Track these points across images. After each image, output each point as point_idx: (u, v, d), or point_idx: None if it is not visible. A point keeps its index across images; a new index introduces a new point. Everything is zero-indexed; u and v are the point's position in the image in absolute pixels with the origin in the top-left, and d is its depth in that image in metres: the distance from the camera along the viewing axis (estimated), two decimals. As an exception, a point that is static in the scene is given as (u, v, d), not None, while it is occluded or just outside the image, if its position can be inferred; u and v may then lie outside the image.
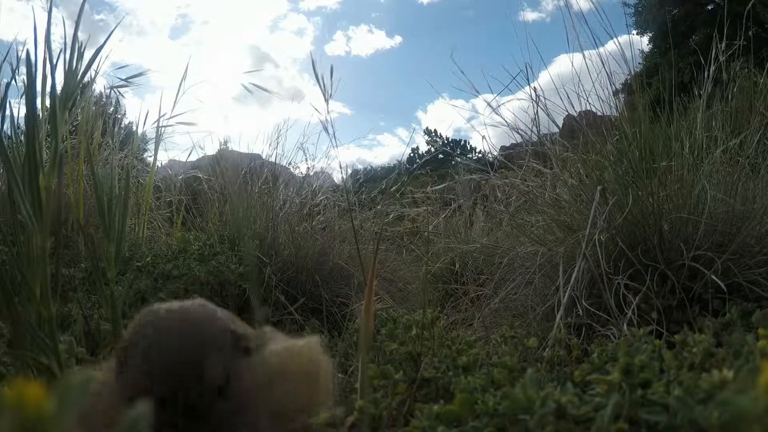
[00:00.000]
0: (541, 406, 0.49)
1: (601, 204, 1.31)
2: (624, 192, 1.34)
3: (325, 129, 1.24)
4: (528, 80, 1.69)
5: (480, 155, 5.18)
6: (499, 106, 1.83)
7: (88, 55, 0.96)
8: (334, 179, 2.88)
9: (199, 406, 0.38)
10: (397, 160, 3.50)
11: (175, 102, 2.54)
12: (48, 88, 0.81)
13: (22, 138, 0.97)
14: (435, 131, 23.35)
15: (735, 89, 1.92)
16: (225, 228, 2.15)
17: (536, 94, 1.69)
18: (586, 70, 1.61)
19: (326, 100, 1.13)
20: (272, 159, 2.55)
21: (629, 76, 1.63)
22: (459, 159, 3.51)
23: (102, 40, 1.09)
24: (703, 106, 1.61)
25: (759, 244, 1.25)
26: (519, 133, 1.83)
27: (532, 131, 1.77)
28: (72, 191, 2.11)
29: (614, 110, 1.67)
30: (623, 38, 1.64)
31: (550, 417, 0.49)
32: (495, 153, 2.40)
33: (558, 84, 1.68)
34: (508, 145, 2.50)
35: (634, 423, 0.51)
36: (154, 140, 2.64)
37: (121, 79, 2.45)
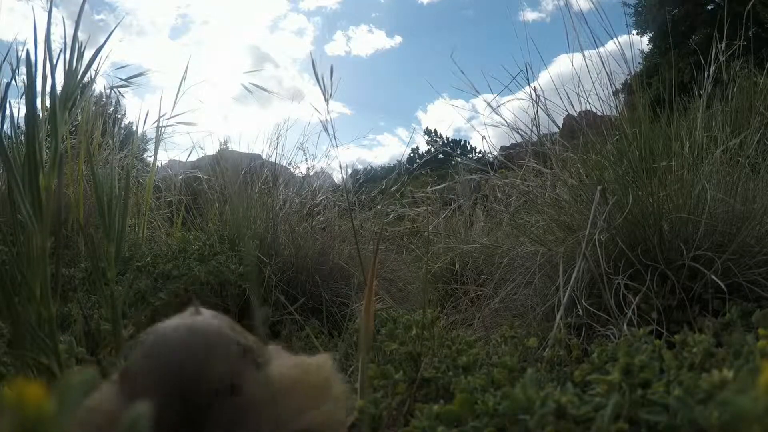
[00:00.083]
0: (541, 406, 0.49)
1: (601, 204, 1.31)
2: (624, 192, 1.34)
3: (325, 129, 1.24)
4: (528, 80, 1.69)
5: (480, 155, 5.19)
6: (499, 106, 1.83)
7: (88, 55, 0.96)
8: (334, 179, 2.88)
9: (205, 417, 0.38)
10: (397, 160, 3.51)
11: (175, 102, 2.54)
12: (48, 88, 0.81)
13: (22, 138, 0.97)
14: (435, 131, 23.38)
15: (735, 89, 1.92)
16: (225, 228, 2.16)
17: (536, 94, 1.69)
18: (586, 70, 1.61)
19: (326, 100, 1.13)
20: (272, 159, 2.55)
21: (629, 76, 1.63)
22: (459, 159, 3.51)
23: (102, 40, 1.09)
24: (703, 106, 1.61)
25: (759, 244, 1.25)
26: (519, 133, 1.83)
27: (532, 131, 1.77)
28: (72, 191, 2.11)
29: (614, 110, 1.67)
30: (623, 38, 1.65)
31: (550, 417, 0.49)
32: (495, 153, 2.40)
33: (558, 84, 1.68)
34: (508, 145, 2.50)
35: (634, 423, 0.51)
36: (154, 140, 2.64)
37: (121, 79, 2.45)
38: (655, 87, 2.07)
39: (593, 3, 1.61)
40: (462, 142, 24.65)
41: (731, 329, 0.91)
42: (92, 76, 2.06)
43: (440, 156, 5.21)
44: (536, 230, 1.63)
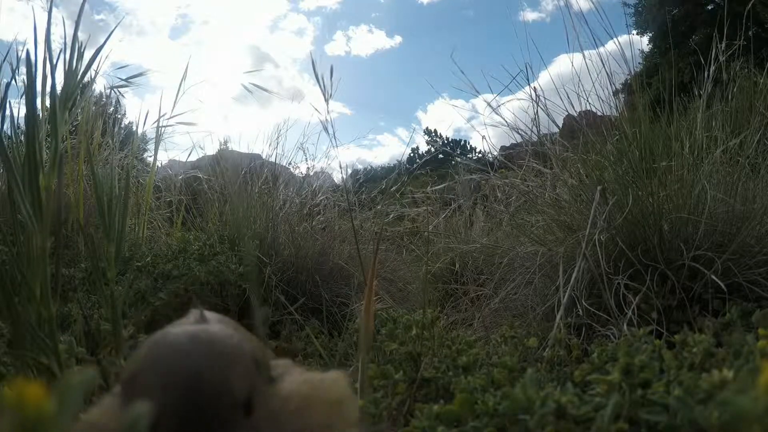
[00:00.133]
0: (541, 406, 0.49)
1: (601, 204, 1.31)
2: (624, 192, 1.34)
3: (325, 129, 1.24)
4: (528, 80, 1.69)
5: (480, 155, 5.18)
6: (499, 106, 1.83)
7: (88, 55, 0.96)
8: (334, 179, 2.88)
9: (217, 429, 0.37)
10: (397, 160, 3.51)
11: (175, 102, 2.54)
12: (48, 88, 0.81)
13: (22, 138, 0.97)
14: (435, 131, 23.35)
15: (735, 89, 1.92)
16: (225, 228, 2.16)
17: (536, 94, 1.69)
18: (586, 70, 1.61)
19: (326, 100, 1.13)
20: (272, 159, 2.55)
21: (629, 76, 1.63)
22: (459, 159, 3.51)
23: (102, 40, 1.09)
24: (703, 106, 1.61)
25: (759, 244, 1.25)
26: (519, 133, 1.83)
27: (532, 131, 1.77)
28: (72, 191, 2.11)
29: (614, 110, 1.67)
30: (623, 38, 1.64)
31: (550, 417, 0.49)
32: (495, 153, 2.40)
33: (558, 84, 1.68)
34: (508, 145, 2.50)
35: (634, 423, 0.51)
36: (154, 140, 2.63)
37: (121, 79, 2.45)
38: (655, 87, 2.07)
39: (593, 3, 1.61)
40: (462, 142, 24.64)
41: (731, 329, 0.91)
42: (92, 76, 2.06)
43: (440, 156, 5.21)
44: (536, 230, 1.63)
